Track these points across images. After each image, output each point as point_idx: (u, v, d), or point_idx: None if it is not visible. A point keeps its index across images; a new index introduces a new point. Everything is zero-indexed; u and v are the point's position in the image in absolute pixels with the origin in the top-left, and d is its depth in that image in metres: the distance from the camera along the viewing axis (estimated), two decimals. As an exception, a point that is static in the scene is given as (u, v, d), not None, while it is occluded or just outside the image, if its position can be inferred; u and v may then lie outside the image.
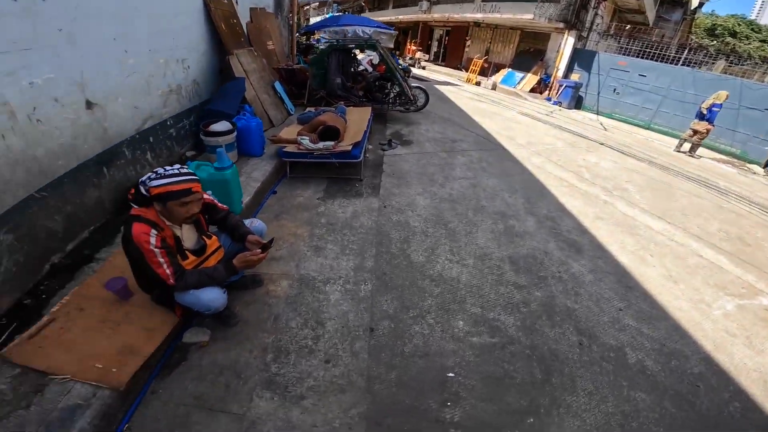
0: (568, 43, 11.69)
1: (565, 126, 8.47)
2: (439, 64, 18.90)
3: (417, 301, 2.53)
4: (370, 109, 5.70)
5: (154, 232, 1.64)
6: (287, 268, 2.71)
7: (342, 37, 8.57)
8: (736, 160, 8.61)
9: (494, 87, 12.87)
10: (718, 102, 7.20)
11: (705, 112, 7.35)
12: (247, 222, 2.22)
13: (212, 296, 1.84)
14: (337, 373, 1.96)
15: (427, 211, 3.68)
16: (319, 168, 4.24)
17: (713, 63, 12.07)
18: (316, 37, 11.30)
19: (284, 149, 4.04)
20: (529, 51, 13.79)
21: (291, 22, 8.25)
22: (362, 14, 24.25)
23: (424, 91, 7.07)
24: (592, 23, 11.69)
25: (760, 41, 27.13)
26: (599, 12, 11.65)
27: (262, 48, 5.98)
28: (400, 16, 20.57)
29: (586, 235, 3.62)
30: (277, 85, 5.99)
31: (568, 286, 2.86)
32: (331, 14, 18.09)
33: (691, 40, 14.49)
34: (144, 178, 1.68)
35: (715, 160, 8.11)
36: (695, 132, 7.58)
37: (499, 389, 1.98)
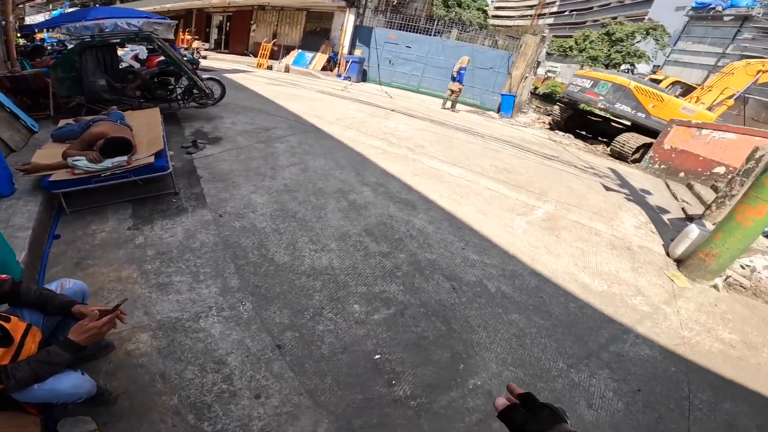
0: (349, 21, 12.51)
1: (360, 99, 9.26)
2: (222, 52, 17.19)
3: (305, 302, 2.44)
4: (157, 110, 4.74)
5: None
6: (135, 320, 2.13)
7: (97, 32, 6.68)
8: (478, 110, 11.50)
9: (287, 69, 12.72)
10: (463, 66, 9.31)
11: (455, 74, 9.43)
12: (53, 287, 1.64)
13: (73, 382, 1.43)
14: (275, 403, 1.78)
15: (269, 208, 3.47)
16: (108, 192, 3.32)
17: (449, 31, 15.21)
18: (45, 36, 8.49)
19: (50, 179, 2.96)
20: (316, 31, 14.12)
21: (3, 21, 5.86)
22: (112, 5, 19.54)
23: (218, 81, 6.36)
24: (366, 0, 12.82)
25: (477, 9, 35.22)
26: (373, -10, 12.89)
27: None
28: (167, 5, 17.51)
29: (413, 192, 4.20)
30: (2, 97, 4.24)
31: (420, 240, 3.30)
32: (60, 10, 13.86)
33: (433, 11, 17.71)
34: None
35: (467, 111, 10.57)
36: (452, 92, 9.67)
37: (422, 352, 2.20)
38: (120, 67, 5.93)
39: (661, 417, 2.12)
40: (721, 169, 7.22)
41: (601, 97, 9.31)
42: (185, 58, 7.81)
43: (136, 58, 7.43)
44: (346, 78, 12.39)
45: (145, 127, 4.07)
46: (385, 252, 3.08)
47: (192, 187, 3.70)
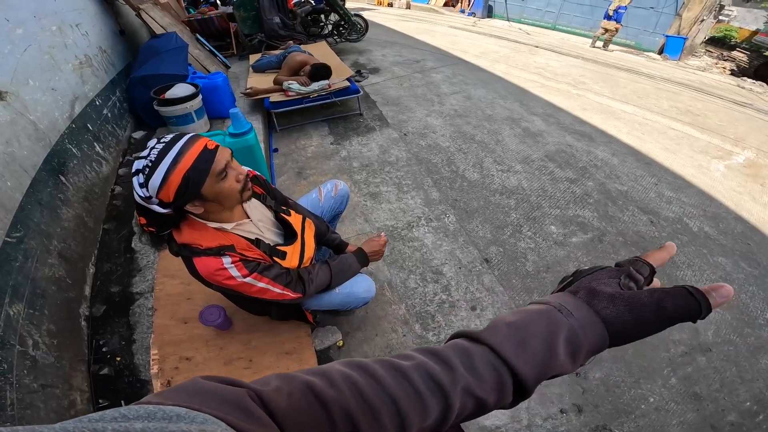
0: None
1: (495, 34, 8.59)
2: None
3: (503, 218, 2.52)
4: (324, 43, 5.07)
5: (227, 261, 1.07)
6: (358, 226, 2.44)
7: None
8: (633, 50, 9.80)
9: (408, 6, 12.32)
10: (623, 5, 8.01)
11: (612, 13, 8.17)
12: (328, 186, 1.78)
13: (367, 285, 1.51)
14: (490, 315, 1.91)
15: (448, 130, 3.55)
16: (305, 113, 3.74)
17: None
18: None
19: (270, 101, 3.43)
20: None
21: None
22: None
23: (362, 17, 6.46)
24: None
25: None
26: None
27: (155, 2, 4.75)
28: None
29: (586, 125, 3.88)
30: (201, 39, 4.94)
31: (606, 171, 3.10)
32: None
33: None
34: (137, 190, 0.94)
35: (622, 51, 9.10)
36: (606, 30, 8.38)
37: None
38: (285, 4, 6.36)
39: None
40: None
41: None
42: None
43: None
44: (470, 14, 11.52)
45: (323, 57, 4.38)
46: (571, 178, 2.96)
47: (371, 110, 3.95)
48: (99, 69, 3.13)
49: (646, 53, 9.49)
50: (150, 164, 0.91)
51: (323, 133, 3.53)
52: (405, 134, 3.45)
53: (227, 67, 5.18)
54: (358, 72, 4.97)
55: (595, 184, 2.94)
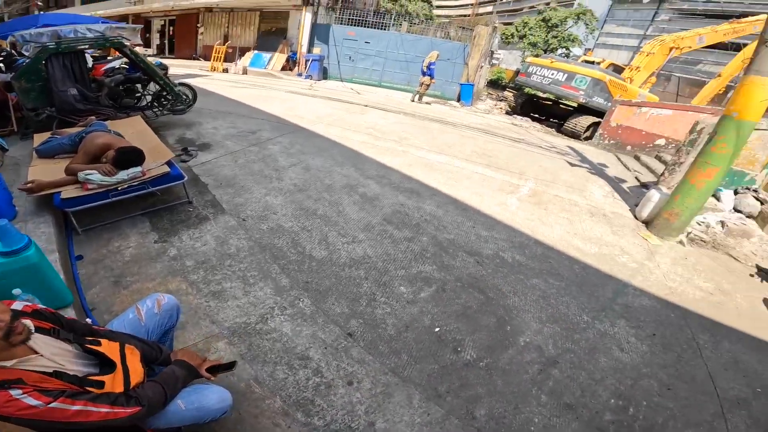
0: (306, 20, 12.40)
1: (330, 96, 9.34)
2: (167, 57, 16.31)
3: (356, 290, 2.63)
4: (140, 117, 4.60)
5: (17, 392, 0.98)
6: (205, 330, 2.20)
7: (54, 39, 6.16)
8: (440, 100, 11.99)
9: (245, 71, 12.39)
10: (432, 60, 9.77)
11: (425, 69, 9.90)
12: (149, 302, 1.61)
13: (218, 395, 1.41)
14: (368, 386, 1.96)
15: (289, 208, 3.58)
16: (116, 207, 3.20)
17: (400, 24, 15.43)
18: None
19: (61, 197, 2.83)
20: (272, 31, 13.85)
21: None
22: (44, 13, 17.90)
23: (188, 86, 6.18)
24: None
25: (422, 0, 35.15)
26: (325, -14, 12.80)
27: None
28: (99, 11, 16.24)
29: (413, 181, 4.48)
30: None
31: (435, 224, 3.61)
32: None
33: (381, 5, 17.82)
34: None
35: (432, 102, 11.00)
36: (422, 84, 10.09)
37: (472, 320, 2.50)
38: (89, 75, 5.59)
39: (680, 356, 2.57)
40: (661, 141, 8.21)
41: (581, 92, 9.99)
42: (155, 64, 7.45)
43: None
44: (307, 77, 12.31)
45: (136, 136, 3.95)
46: (409, 237, 3.34)
47: (203, 195, 3.70)
48: None
49: (449, 102, 11.74)
50: None
51: (143, 230, 3.10)
52: (244, 220, 3.34)
53: (4, 150, 4.15)
54: (185, 150, 4.64)
55: (429, 239, 3.37)
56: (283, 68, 13.01)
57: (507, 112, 12.35)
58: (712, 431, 2.09)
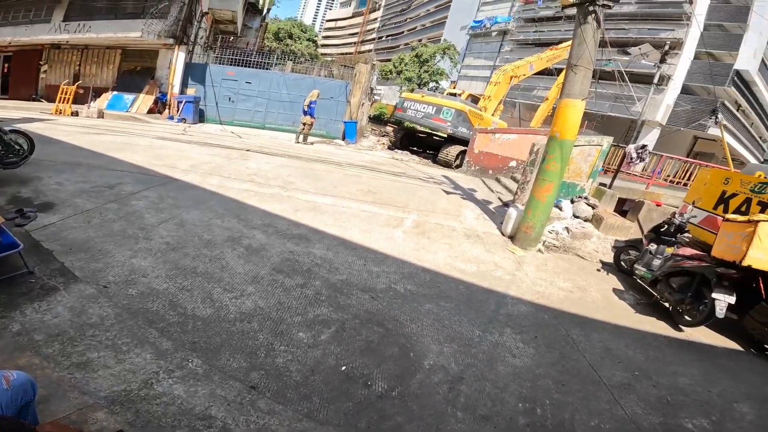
0: (179, 59, 11.62)
1: (208, 141, 8.83)
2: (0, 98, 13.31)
3: (252, 343, 2.50)
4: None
5: None
6: (75, 401, 1.82)
7: None
8: (326, 139, 12.38)
9: (101, 115, 10.87)
10: (313, 99, 10.06)
11: (306, 108, 10.11)
12: None
13: None
14: None
15: (162, 269, 3.21)
16: None
17: (284, 64, 15.69)
18: None
19: None
20: (137, 70, 12.57)
21: None
22: None
23: (23, 133, 5.16)
24: (196, 36, 12.12)
25: (307, 40, 35.88)
26: (202, 25, 12.25)
27: None
28: None
29: (301, 227, 4.48)
30: None
31: (327, 267, 3.64)
32: None
33: (265, 45, 17.94)
34: None
35: (317, 142, 11.29)
36: (305, 125, 10.27)
37: (376, 353, 2.58)
38: None
39: (562, 353, 3.02)
40: (513, 163, 9.87)
41: (448, 123, 11.23)
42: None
43: None
44: (180, 120, 11.44)
45: None
46: (301, 283, 3.30)
47: (47, 263, 3.07)
48: None
49: (334, 141, 12.22)
50: None
51: (-31, 315, 2.44)
52: (105, 286, 2.87)
53: None
54: (20, 212, 3.81)
55: (322, 282, 3.38)
56: (151, 111, 11.88)
57: (389, 147, 13.35)
58: (615, 418, 2.45)
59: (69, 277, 2.96)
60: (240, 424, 1.93)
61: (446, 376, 2.54)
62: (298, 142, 10.38)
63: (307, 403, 2.14)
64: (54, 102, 11.18)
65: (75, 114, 11.12)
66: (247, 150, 8.33)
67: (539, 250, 5.20)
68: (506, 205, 7.07)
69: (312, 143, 10.65)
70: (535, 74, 14.58)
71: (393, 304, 3.27)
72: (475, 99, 13.87)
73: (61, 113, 11.05)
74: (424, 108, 12.05)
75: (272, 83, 12.60)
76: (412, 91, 16.19)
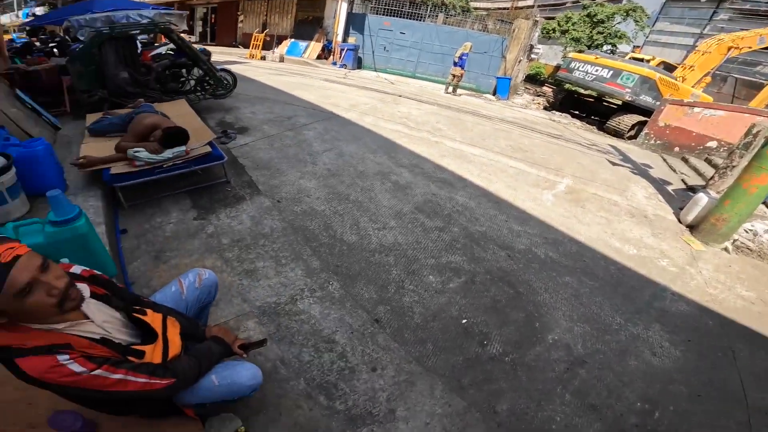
0: (342, 9, 12.44)
1: (364, 86, 9.35)
2: (209, 45, 16.85)
3: (386, 277, 2.65)
4: (184, 101, 4.81)
5: (64, 357, 0.95)
6: (236, 308, 2.27)
7: (107, 24, 6.51)
8: (475, 93, 11.72)
9: (281, 59, 12.60)
10: (465, 52, 9.54)
11: (457, 60, 9.66)
12: (190, 277, 1.64)
13: (251, 372, 1.41)
14: (391, 373, 1.97)
15: (322, 192, 3.64)
16: (161, 185, 3.34)
17: (435, 16, 15.12)
18: (13, 35, 8.18)
19: (111, 173, 2.97)
20: (308, 20, 13.98)
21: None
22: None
23: (229, 72, 6.37)
24: None
25: None
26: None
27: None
28: None
29: (446, 172, 4.43)
30: (21, 95, 4.20)
31: (467, 215, 3.56)
32: (27, 9, 13.33)
33: None
34: None
35: (466, 95, 10.79)
36: (454, 77, 9.89)
37: (500, 314, 2.47)
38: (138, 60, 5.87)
39: (714, 364, 2.44)
40: (713, 143, 7.69)
41: (627, 90, 9.49)
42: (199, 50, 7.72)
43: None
44: (341, 66, 12.37)
45: (181, 118, 4.11)
46: (440, 227, 3.32)
47: (240, 176, 3.82)
48: None
49: (484, 95, 11.46)
50: None
51: (184, 207, 3.23)
52: (278, 201, 3.42)
53: (57, 128, 4.41)
54: (224, 132, 4.80)
55: (460, 230, 3.34)
56: (319, 57, 13.14)
57: (545, 108, 11.93)
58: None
59: (254, 190, 3.59)
60: (356, 354, 2.07)
61: (568, 355, 2.29)
62: (447, 93, 10.13)
63: (421, 347, 2.17)
64: (248, 48, 13.35)
65: (263, 58, 13.13)
66: (399, 96, 8.52)
67: (725, 249, 4.03)
68: (691, 189, 5.62)
69: (460, 95, 10.25)
70: (763, 48, 10.77)
71: (529, 268, 3.02)
72: (668, 68, 11.11)
73: (252, 57, 13.17)
74: (596, 71, 10.22)
75: (425, 34, 12.39)
76: (580, 52, 13.81)
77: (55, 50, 7.25)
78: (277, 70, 10.54)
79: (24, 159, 2.74)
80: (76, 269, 1.19)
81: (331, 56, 13.01)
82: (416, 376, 1.99)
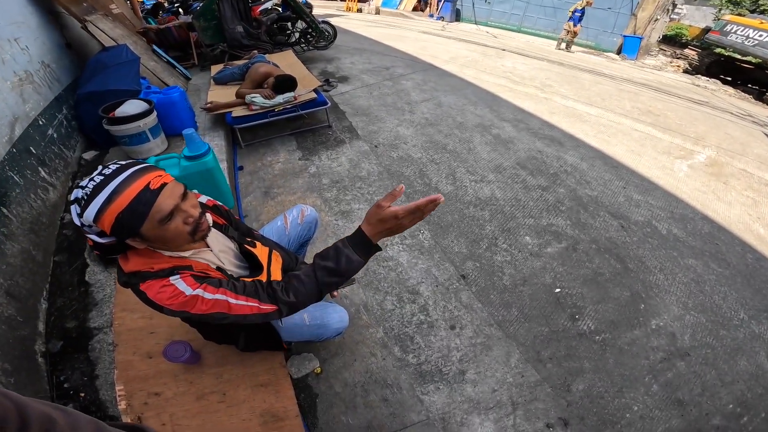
0: None
1: (464, 38, 8.71)
2: (308, -4, 17.20)
3: (478, 232, 2.49)
4: (291, 52, 4.98)
5: (175, 277, 0.93)
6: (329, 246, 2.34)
7: None
8: (593, 51, 10.18)
9: (377, 11, 12.35)
10: (578, 8, 8.44)
11: (571, 14, 8.58)
12: (294, 213, 1.66)
13: (339, 315, 1.44)
14: (469, 334, 1.88)
15: (419, 140, 3.52)
16: (271, 127, 3.58)
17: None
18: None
19: (232, 116, 3.27)
20: None
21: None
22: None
23: (330, 24, 6.40)
24: None
25: None
26: None
27: (107, 12, 4.50)
28: None
29: (555, 129, 3.95)
30: (157, 50, 4.72)
31: (576, 177, 3.15)
32: None
33: None
34: (75, 218, 0.87)
35: (584, 52, 9.42)
36: (568, 32, 8.70)
37: (600, 288, 2.17)
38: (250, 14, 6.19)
39: None
40: None
41: None
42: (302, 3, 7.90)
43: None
44: (439, 18, 11.70)
45: (289, 67, 4.26)
46: (543, 186, 2.99)
47: (341, 121, 3.87)
48: (42, 85, 2.88)
49: (605, 54, 9.88)
50: (85, 197, 0.84)
51: (291, 148, 3.41)
52: (376, 146, 3.39)
53: (188, 78, 4.95)
54: (327, 81, 4.89)
55: (567, 191, 2.98)
56: (415, 9, 12.59)
57: (686, 71, 10.02)
58: None
59: (354, 134, 3.60)
60: (438, 309, 1.97)
61: (669, 345, 1.94)
62: (560, 49, 8.97)
63: (505, 311, 2.00)
64: (345, 0, 13.28)
65: (359, 11, 13.02)
66: (503, 49, 7.77)
67: None
68: None
69: (574, 53, 8.99)
70: None
71: (645, 243, 2.57)
72: None
73: (349, 10, 13.13)
74: (761, 36, 8.34)
75: (534, -14, 10.91)
76: (740, 15, 11.15)
77: (180, 9, 7.98)
78: (374, 22, 10.35)
79: (163, 104, 3.10)
80: (203, 199, 1.22)
81: (428, 8, 12.36)
82: (494, 341, 1.86)
